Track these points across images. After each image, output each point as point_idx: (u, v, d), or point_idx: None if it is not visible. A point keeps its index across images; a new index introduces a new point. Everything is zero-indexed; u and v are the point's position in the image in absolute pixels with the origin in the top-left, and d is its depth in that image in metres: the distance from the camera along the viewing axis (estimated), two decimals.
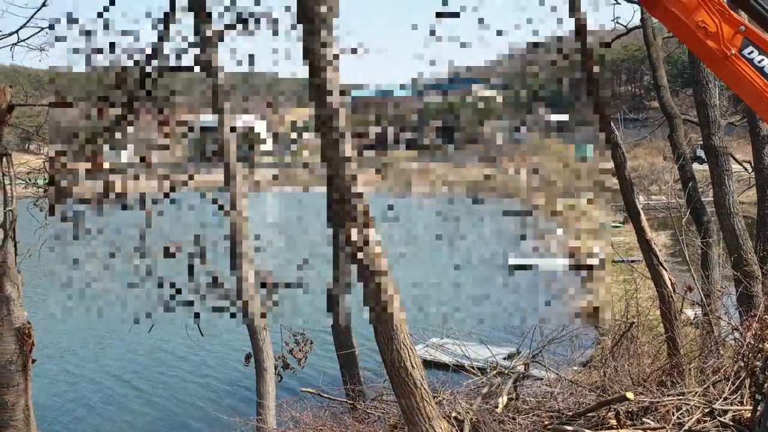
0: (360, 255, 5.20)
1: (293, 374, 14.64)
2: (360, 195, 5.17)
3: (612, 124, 10.26)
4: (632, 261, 19.71)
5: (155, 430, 18.38)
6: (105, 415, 19.94)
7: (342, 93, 5.07)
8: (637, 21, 15.66)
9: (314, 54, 4.47)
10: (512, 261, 34.67)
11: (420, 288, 30.15)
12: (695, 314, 12.86)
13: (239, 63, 9.10)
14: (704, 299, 11.81)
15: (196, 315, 10.57)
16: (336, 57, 4.49)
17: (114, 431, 18.73)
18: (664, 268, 10.09)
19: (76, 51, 7.89)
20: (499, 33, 4.61)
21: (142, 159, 10.67)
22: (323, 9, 4.27)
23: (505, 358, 13.23)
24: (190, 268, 10.08)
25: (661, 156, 50.47)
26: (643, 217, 10.18)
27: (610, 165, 10.92)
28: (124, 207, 9.57)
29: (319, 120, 5.11)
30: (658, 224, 35.32)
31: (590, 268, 33.05)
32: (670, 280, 10.04)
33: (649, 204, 48.36)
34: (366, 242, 5.17)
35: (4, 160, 3.98)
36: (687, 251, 12.99)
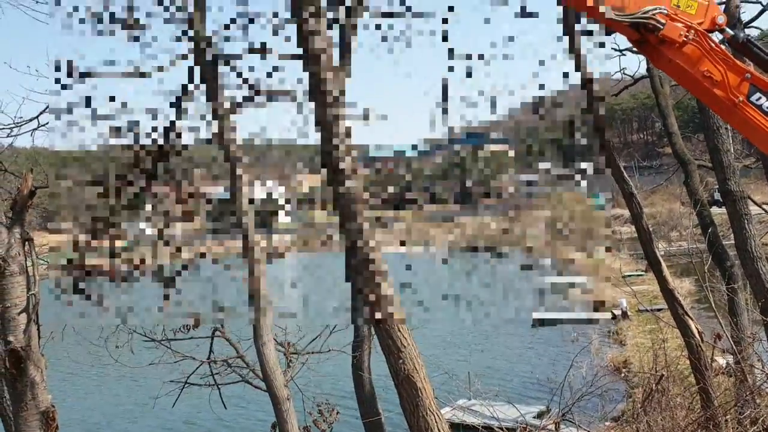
0: (378, 315, 5.16)
1: None
2: (376, 261, 5.17)
3: (625, 173, 10.24)
4: (658, 310, 19.38)
5: None
6: None
7: (354, 156, 5.13)
8: (643, 70, 15.84)
9: (325, 126, 4.55)
10: (535, 316, 34.21)
11: (443, 348, 29.79)
12: (727, 363, 12.54)
13: (253, 135, 9.24)
14: (735, 347, 11.53)
15: (218, 387, 10.49)
16: (348, 130, 4.57)
17: None
18: (690, 317, 9.91)
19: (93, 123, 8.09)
20: (511, 93, 4.67)
21: (161, 232, 10.80)
22: (332, 87, 4.37)
23: (534, 417, 12.94)
24: (212, 339, 10.06)
25: (679, 202, 50.21)
26: (664, 266, 10.05)
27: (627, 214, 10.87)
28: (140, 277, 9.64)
29: (332, 187, 5.16)
30: (681, 271, 34.85)
31: (614, 318, 32.59)
32: (698, 329, 9.85)
33: (670, 251, 47.93)
34: (383, 302, 5.14)
35: (27, 244, 4.05)
36: (712, 298, 12.75)
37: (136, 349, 10.06)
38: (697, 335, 9.76)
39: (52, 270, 9.04)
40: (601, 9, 4.36)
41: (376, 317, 5.14)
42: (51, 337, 5.98)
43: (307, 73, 4.61)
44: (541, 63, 4.64)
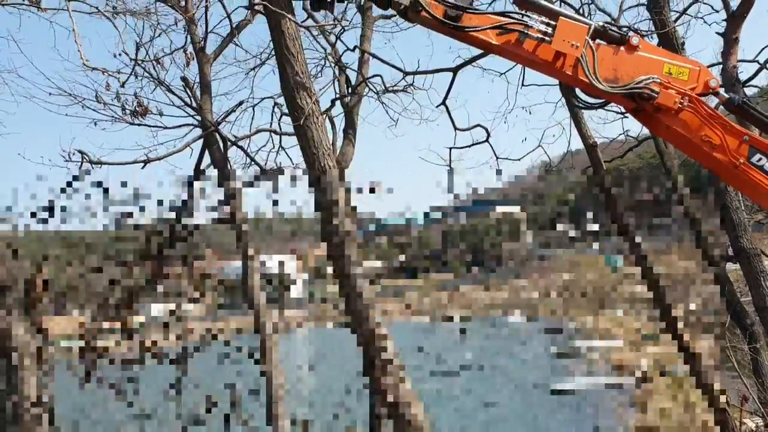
0: (389, 399, 5.07)
1: None
2: (384, 337, 5.12)
3: (635, 234, 10.23)
4: (680, 372, 18.93)
5: None
6: None
7: (358, 226, 5.16)
8: (647, 131, 15.98)
9: (326, 208, 4.61)
10: (554, 386, 33.47)
11: (461, 421, 29.11)
12: (756, 425, 12.19)
13: (262, 211, 9.33)
14: (763, 408, 11.23)
15: None
16: (353, 210, 4.63)
17: None
18: (713, 378, 9.69)
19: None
20: (516, 159, 4.75)
21: (172, 312, 10.82)
22: (330, 178, 4.44)
23: None
24: (226, 420, 9.92)
25: (693, 260, 49.74)
26: (682, 327, 9.91)
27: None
28: (156, 357, 9.60)
29: (334, 262, 5.19)
30: (700, 330, 34.24)
31: (636, 382, 31.78)
32: (723, 391, 9.62)
33: (687, 310, 47.15)
34: (396, 392, 5.06)
35: (41, 334, 4.07)
36: (735, 357, 12.50)
37: None
38: (722, 397, 9.52)
39: (65, 354, 9.03)
40: (596, 84, 4.46)
41: (387, 399, 5.06)
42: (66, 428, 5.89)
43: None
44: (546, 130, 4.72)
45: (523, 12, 4.51)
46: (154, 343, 9.82)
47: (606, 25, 4.60)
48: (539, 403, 31.95)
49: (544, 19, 4.47)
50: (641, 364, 31.08)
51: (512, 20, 4.46)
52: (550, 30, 4.41)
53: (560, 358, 41.38)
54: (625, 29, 4.58)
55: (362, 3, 9.23)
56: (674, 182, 15.32)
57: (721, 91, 4.63)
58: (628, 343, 36.30)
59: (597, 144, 10.73)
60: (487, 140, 9.49)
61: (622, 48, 4.52)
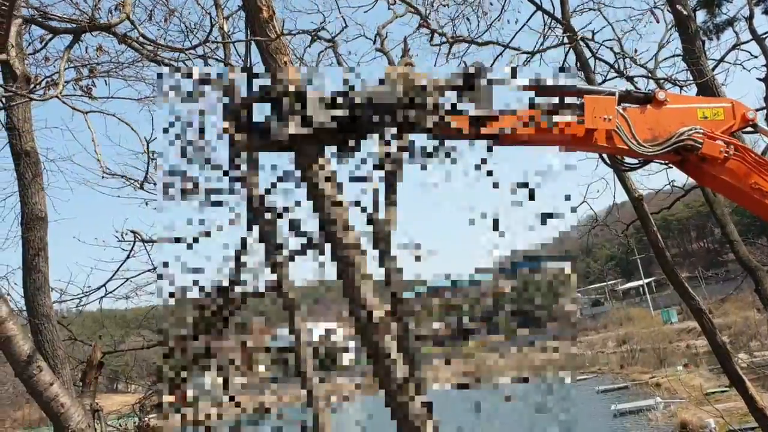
0: None
1: None
2: (425, 416, 5.01)
3: (690, 289, 9.94)
4: (750, 429, 18.03)
5: None
6: None
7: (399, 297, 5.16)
8: (693, 181, 15.71)
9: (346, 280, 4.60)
10: None
11: None
12: None
13: (310, 280, 9.38)
14: None
15: None
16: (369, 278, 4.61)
17: None
18: None
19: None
20: (560, 216, 4.63)
21: (225, 383, 10.82)
22: (347, 241, 4.46)
23: None
24: None
25: (754, 309, 47.97)
26: (749, 384, 9.49)
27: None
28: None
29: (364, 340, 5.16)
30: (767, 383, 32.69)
31: None
32: None
33: (752, 362, 45.26)
34: None
35: (97, 415, 4.12)
36: None
37: None
38: None
39: None
40: (638, 150, 4.37)
41: None
42: None
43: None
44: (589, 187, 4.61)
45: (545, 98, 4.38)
46: (208, 417, 9.80)
47: (628, 89, 4.57)
48: None
49: (570, 100, 4.36)
50: (708, 423, 29.67)
51: (542, 112, 4.32)
52: (574, 109, 4.31)
53: (622, 416, 39.90)
54: (650, 90, 4.52)
55: None
56: (725, 231, 14.95)
57: (761, 123, 4.54)
58: (691, 401, 34.81)
59: (642, 197, 10.60)
60: (531, 198, 9.45)
61: (649, 106, 4.47)
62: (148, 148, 7.83)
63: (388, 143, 4.31)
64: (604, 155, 5.23)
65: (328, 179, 4.29)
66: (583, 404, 50.70)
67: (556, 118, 4.26)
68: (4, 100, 5.98)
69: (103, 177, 7.40)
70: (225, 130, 3.97)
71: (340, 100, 4.04)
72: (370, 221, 4.46)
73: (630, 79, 11.60)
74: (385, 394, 5.09)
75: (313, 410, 8.74)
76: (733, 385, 9.99)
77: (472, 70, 4.12)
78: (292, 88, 4.01)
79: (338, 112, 4.07)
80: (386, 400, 5.10)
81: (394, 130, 4.18)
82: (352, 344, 13.31)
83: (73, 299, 8.61)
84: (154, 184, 7.95)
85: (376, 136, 4.21)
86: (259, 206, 4.39)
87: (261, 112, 4.19)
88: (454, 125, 4.14)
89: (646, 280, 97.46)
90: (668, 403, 40.87)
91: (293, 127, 3.99)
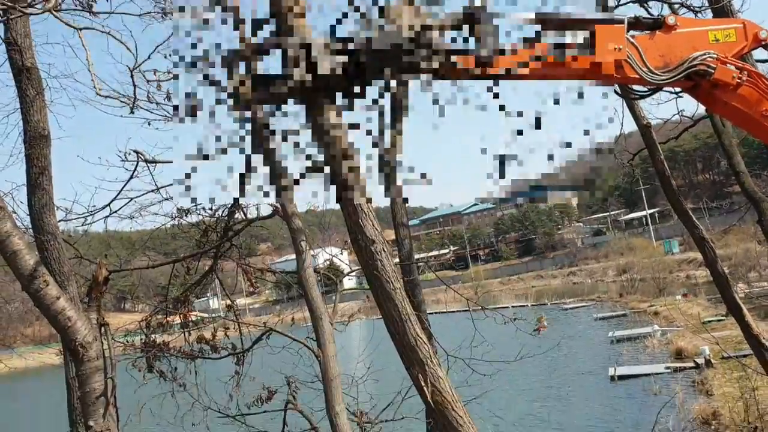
0: (430, 401, 5.05)
1: None
2: (421, 340, 5.09)
3: (693, 217, 9.94)
4: (743, 356, 18.40)
5: None
6: None
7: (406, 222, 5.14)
8: (702, 110, 15.51)
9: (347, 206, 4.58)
10: (612, 371, 32.91)
11: (519, 409, 28.93)
12: None
13: (313, 206, 9.39)
14: None
15: None
16: (368, 201, 4.60)
17: None
18: None
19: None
20: (568, 145, 4.55)
21: (230, 307, 11.03)
22: (344, 170, 4.42)
23: None
24: (285, 409, 10.05)
25: (755, 241, 48.25)
26: (745, 311, 9.62)
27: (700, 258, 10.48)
28: (215, 350, 9.79)
29: (365, 271, 5.19)
30: (764, 313, 33.22)
31: (697, 368, 31.04)
32: None
33: (750, 293, 45.88)
34: (435, 389, 5.04)
35: (103, 329, 4.19)
36: None
37: (212, 426, 10.12)
38: None
39: (127, 350, 9.30)
40: (651, 78, 4.25)
41: (428, 398, 5.03)
42: (129, 419, 6.10)
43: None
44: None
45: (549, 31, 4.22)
46: (213, 336, 10.01)
47: (636, 15, 4.41)
48: (597, 389, 31.51)
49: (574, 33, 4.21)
50: (703, 350, 30.30)
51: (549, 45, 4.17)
52: (583, 41, 4.17)
53: (618, 345, 40.72)
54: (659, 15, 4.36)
55: None
56: (732, 162, 14.87)
57: None
58: (688, 329, 35.45)
59: (651, 125, 10.48)
60: (538, 126, 9.35)
61: (658, 32, 4.33)
62: (137, 66, 7.68)
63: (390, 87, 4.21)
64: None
65: (337, 126, 4.22)
66: (580, 331, 51.74)
67: (566, 53, 4.15)
68: (1, 13, 5.86)
69: (97, 95, 7.29)
70: (228, 81, 3.88)
71: (342, 45, 3.93)
72: (375, 145, 4.41)
73: (644, 3, 11.30)
74: (385, 320, 5.18)
75: (316, 330, 8.91)
76: (730, 313, 10.13)
77: (477, 2, 3.99)
78: (297, 37, 3.90)
79: (343, 59, 3.96)
80: (387, 325, 5.19)
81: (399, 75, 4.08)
82: (354, 269, 13.39)
83: (78, 218, 8.68)
84: (156, 103, 7.85)
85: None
86: (263, 128, 4.34)
87: (266, 64, 4.09)
88: (460, 65, 4.03)
89: (650, 211, 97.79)
90: (665, 331, 41.66)
91: (298, 75, 3.89)
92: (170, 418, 9.88)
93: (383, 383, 12.68)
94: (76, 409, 6.31)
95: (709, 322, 37.79)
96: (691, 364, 31.09)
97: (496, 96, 4.35)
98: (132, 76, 7.40)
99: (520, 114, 4.52)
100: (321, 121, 4.19)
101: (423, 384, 5.04)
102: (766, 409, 10.75)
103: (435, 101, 4.44)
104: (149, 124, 8.21)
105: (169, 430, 10.50)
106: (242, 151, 4.07)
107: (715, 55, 4.28)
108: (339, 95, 4.15)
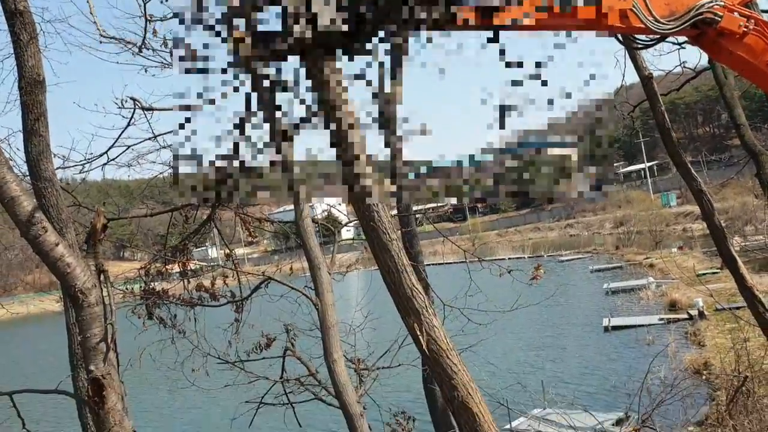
0: (425, 349, 5.10)
1: None
2: (417, 290, 5.12)
3: (692, 170, 9.92)
4: (737, 308, 18.63)
5: None
6: None
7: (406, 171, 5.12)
8: (705, 62, 15.33)
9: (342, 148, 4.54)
10: (606, 322, 33.33)
11: (515, 356, 29.39)
12: None
13: (313, 155, 9.37)
14: None
15: (293, 406, 10.61)
16: (369, 160, 4.57)
17: None
18: None
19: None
20: (568, 95, 4.49)
21: (228, 256, 11.08)
22: (342, 113, 4.36)
23: (613, 425, 12.58)
24: (284, 356, 10.20)
25: (752, 194, 48.32)
26: (740, 263, 9.67)
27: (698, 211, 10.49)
28: (214, 298, 9.88)
29: (361, 222, 5.18)
30: (758, 266, 33.48)
31: (691, 319, 31.44)
32: None
33: (745, 246, 46.18)
34: (430, 338, 5.09)
35: (102, 275, 4.21)
36: None
37: (211, 372, 10.28)
38: None
39: (127, 297, 9.39)
40: (657, 28, 4.17)
41: (423, 347, 5.09)
42: (129, 365, 6.20)
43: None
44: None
45: None
46: (212, 285, 10.08)
47: None
48: (591, 340, 31.96)
49: None
50: (697, 302, 30.64)
51: None
52: None
53: (613, 297, 41.15)
54: None
55: None
56: (733, 114, 14.79)
57: None
58: (682, 281, 35.76)
59: (653, 76, 10.36)
60: (538, 76, 9.25)
61: None
62: (145, 10, 7.56)
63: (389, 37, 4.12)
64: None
65: (337, 81, 4.15)
66: (576, 282, 52.20)
67: (571, 2, 4.05)
68: None
69: (101, 42, 7.20)
70: (228, 39, 3.79)
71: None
72: (375, 96, 4.35)
73: None
74: (382, 270, 5.20)
75: (315, 280, 8.97)
76: (725, 265, 10.19)
77: None
78: None
79: (343, 13, 3.87)
80: (383, 276, 5.22)
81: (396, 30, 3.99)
82: (351, 221, 13.39)
83: (75, 165, 8.64)
84: (153, 50, 7.75)
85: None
86: (262, 77, 4.27)
87: (264, 22, 4.00)
88: (460, 16, 3.94)
89: (649, 164, 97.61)
90: (660, 283, 42.03)
91: (298, 31, 3.80)
92: (170, 363, 10.03)
93: (380, 332, 12.84)
94: (76, 354, 6.38)
95: (704, 274, 38.11)
96: (685, 316, 31.47)
97: (495, 39, 4.24)
98: (144, 11, 7.27)
99: (519, 65, 4.45)
100: (321, 75, 4.14)
101: (418, 333, 5.09)
102: (756, 359, 10.93)
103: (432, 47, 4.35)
104: (146, 70, 8.12)
105: (169, 374, 10.69)
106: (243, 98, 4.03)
107: (722, 3, 4.21)
108: (339, 51, 4.08)
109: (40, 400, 7.32)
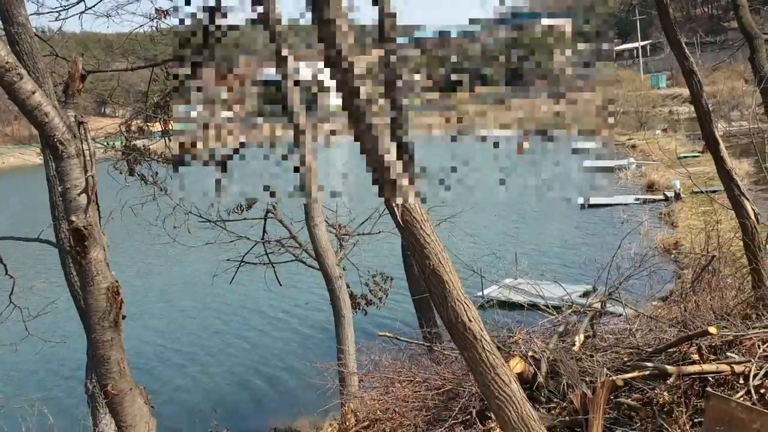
0: (399, 220, 5.18)
1: (371, 320, 14.94)
2: (394, 166, 5.11)
3: (686, 49, 9.72)
4: (713, 191, 18.96)
5: (238, 379, 18.91)
6: (191, 367, 20.38)
7: (395, 38, 4.99)
8: None
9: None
10: (582, 200, 33.90)
11: (492, 229, 30.05)
12: None
13: (301, 15, 9.04)
14: None
15: (273, 266, 10.88)
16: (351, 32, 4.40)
17: (202, 380, 19.40)
18: (746, 198, 9.64)
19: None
20: None
21: (209, 116, 10.91)
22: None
23: (581, 296, 13.08)
24: (265, 218, 10.33)
25: (742, 79, 47.88)
26: (722, 146, 9.71)
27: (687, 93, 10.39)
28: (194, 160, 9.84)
29: (344, 94, 5.07)
30: (740, 152, 33.81)
31: (667, 200, 32.08)
32: (753, 210, 9.59)
33: (729, 131, 46.27)
34: (405, 209, 5.14)
35: (81, 127, 4.14)
36: None
37: (193, 230, 10.42)
38: (752, 216, 9.53)
39: (108, 152, 9.32)
40: None
41: (398, 218, 5.17)
42: (111, 217, 6.25)
43: None
44: None
45: None
46: (194, 145, 9.98)
47: None
48: (567, 216, 32.67)
49: None
50: (674, 184, 31.11)
51: None
52: None
53: (592, 176, 41.56)
54: None
55: None
56: None
57: None
58: (663, 163, 36.12)
59: None
60: None
61: None
62: None
63: None
64: None
65: None
66: (559, 160, 52.34)
67: None
68: None
69: None
70: None
71: None
72: None
73: None
74: (360, 140, 5.16)
75: (298, 145, 8.93)
76: (708, 147, 10.22)
77: None
78: None
79: None
80: (361, 148, 5.19)
81: None
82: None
83: (51, 12, 8.29)
84: None
85: None
86: None
87: None
88: None
89: (642, 43, 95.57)
90: (641, 164, 42.44)
91: None
92: (152, 219, 10.13)
93: (363, 201, 13.00)
94: (57, 206, 6.40)
95: (685, 157, 38.48)
96: (661, 197, 32.06)
97: None
98: None
99: None
100: None
101: (393, 204, 5.16)
102: (725, 240, 11.24)
103: None
104: None
105: (151, 230, 10.81)
106: None
107: None
108: None
109: (21, 250, 7.40)
